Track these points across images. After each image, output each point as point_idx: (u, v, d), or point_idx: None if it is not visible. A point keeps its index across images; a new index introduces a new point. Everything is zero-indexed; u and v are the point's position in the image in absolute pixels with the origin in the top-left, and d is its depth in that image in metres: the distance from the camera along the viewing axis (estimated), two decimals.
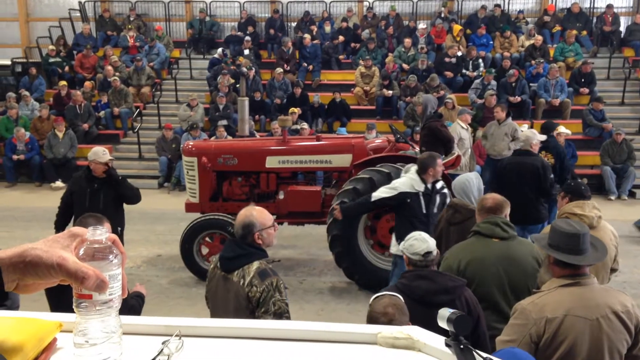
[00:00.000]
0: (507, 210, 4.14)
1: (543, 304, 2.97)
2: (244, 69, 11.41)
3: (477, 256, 3.97)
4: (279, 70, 15.09)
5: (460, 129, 10.26)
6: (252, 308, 3.34)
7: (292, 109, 13.24)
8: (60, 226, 6.31)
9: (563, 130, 12.16)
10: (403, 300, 3.09)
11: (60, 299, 4.11)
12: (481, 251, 3.97)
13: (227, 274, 3.49)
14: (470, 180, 5.12)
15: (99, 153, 6.18)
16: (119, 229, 6.33)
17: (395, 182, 6.00)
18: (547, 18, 16.86)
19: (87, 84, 15.46)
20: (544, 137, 7.70)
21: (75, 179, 6.41)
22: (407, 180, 5.85)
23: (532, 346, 2.93)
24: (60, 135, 13.36)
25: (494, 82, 14.22)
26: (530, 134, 7.34)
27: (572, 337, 2.87)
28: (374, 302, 3.09)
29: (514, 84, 13.95)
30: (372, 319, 2.96)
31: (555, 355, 2.89)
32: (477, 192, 5.04)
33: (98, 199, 6.12)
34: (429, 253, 3.60)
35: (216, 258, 3.67)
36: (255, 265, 3.44)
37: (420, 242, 3.65)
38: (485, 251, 3.96)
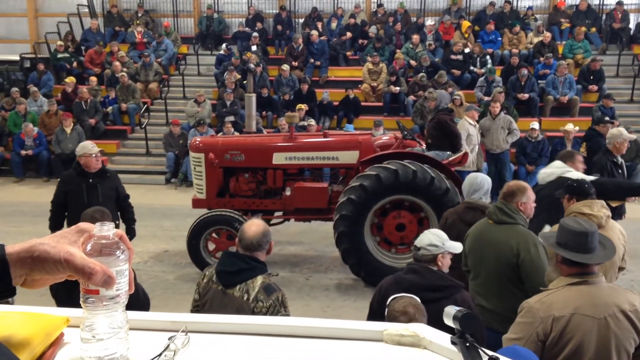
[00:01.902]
0: (520, 198, 4.20)
1: (550, 302, 2.97)
2: (251, 65, 11.43)
3: (474, 232, 4.35)
4: (285, 66, 15.09)
5: (468, 125, 10.27)
6: None
7: (299, 105, 13.23)
8: (56, 229, 6.19)
9: (571, 127, 12.15)
10: (420, 301, 3.11)
11: (71, 297, 4.12)
12: (478, 228, 4.35)
13: (226, 288, 3.41)
14: (488, 180, 5.09)
15: (88, 146, 6.13)
16: (117, 222, 6.30)
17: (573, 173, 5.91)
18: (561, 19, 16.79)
19: (92, 79, 15.51)
20: (632, 137, 7.46)
21: (67, 178, 6.31)
22: (576, 172, 5.80)
23: (538, 344, 2.93)
24: (68, 130, 13.40)
25: (498, 79, 14.19)
26: (616, 132, 6.97)
27: (580, 335, 2.86)
28: (393, 302, 3.11)
29: (523, 83, 13.90)
30: (391, 318, 2.97)
31: (562, 353, 2.89)
32: (483, 194, 5.00)
33: (96, 193, 6.06)
34: (416, 247, 3.70)
35: (210, 272, 3.58)
36: (260, 279, 3.38)
37: (421, 235, 3.76)
38: (480, 229, 4.32)
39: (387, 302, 3.16)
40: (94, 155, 6.08)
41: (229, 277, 3.42)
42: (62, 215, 6.25)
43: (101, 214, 4.02)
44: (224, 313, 3.32)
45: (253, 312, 3.30)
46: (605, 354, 2.86)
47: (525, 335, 2.96)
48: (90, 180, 6.09)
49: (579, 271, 2.99)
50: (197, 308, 3.59)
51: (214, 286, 3.48)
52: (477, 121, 10.88)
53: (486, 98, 13.59)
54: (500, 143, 11.02)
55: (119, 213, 6.45)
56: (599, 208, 4.37)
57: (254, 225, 3.50)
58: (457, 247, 3.77)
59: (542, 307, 2.97)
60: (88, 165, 6.08)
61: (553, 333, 2.90)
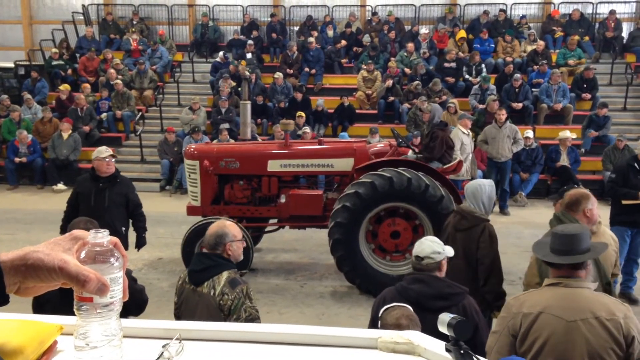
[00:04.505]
0: (585, 205, 4.05)
1: (524, 300, 3.04)
2: (247, 73, 11.48)
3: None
4: (279, 74, 15.12)
5: (461, 135, 10.26)
6: (223, 317, 3.40)
7: (299, 113, 13.25)
8: (65, 229, 6.31)
9: (568, 135, 12.18)
10: (413, 310, 3.10)
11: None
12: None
13: (196, 286, 3.56)
14: (483, 187, 5.02)
15: (101, 150, 6.30)
16: (124, 229, 6.40)
17: None
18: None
19: (85, 85, 15.48)
20: None
21: (81, 181, 6.49)
22: None
23: (510, 339, 2.99)
24: (65, 136, 13.41)
25: (492, 87, 14.25)
26: None
27: (546, 335, 2.89)
28: (385, 314, 3.09)
29: (517, 90, 13.95)
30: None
31: (531, 351, 2.92)
32: (487, 200, 4.95)
33: (103, 197, 6.20)
34: (418, 257, 3.63)
35: (184, 273, 3.74)
36: (225, 275, 3.51)
37: (419, 244, 3.70)
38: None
39: (380, 314, 3.14)
40: (106, 159, 6.21)
41: (197, 276, 3.58)
42: (73, 216, 6.28)
43: (93, 225, 4.00)
44: (196, 311, 3.47)
45: (219, 306, 3.41)
46: (576, 357, 2.85)
47: (501, 329, 3.04)
48: (101, 184, 6.22)
49: (561, 274, 3.02)
50: (177, 310, 3.75)
51: (186, 286, 3.64)
52: (472, 129, 10.89)
53: (480, 106, 13.65)
54: (506, 152, 10.91)
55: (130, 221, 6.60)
56: None
57: (213, 227, 3.67)
58: (451, 251, 3.78)
59: (516, 303, 3.05)
60: (99, 168, 6.23)
61: (522, 329, 2.95)
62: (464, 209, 4.93)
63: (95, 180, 6.25)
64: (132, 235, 6.71)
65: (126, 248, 6.22)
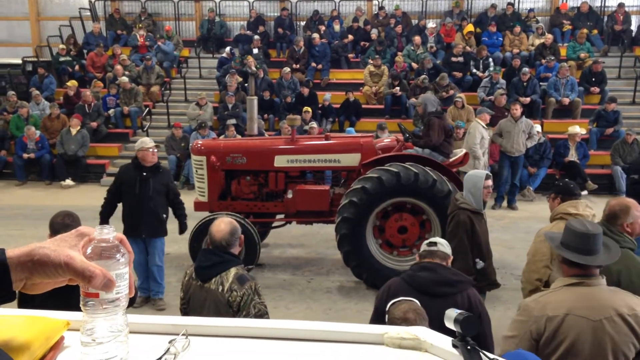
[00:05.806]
0: (624, 219, 3.80)
1: (546, 302, 2.97)
2: (253, 68, 11.46)
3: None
4: (287, 69, 15.11)
5: (481, 129, 10.21)
6: (232, 313, 3.43)
7: (305, 108, 13.24)
8: (106, 215, 6.61)
9: (577, 130, 12.09)
10: (420, 304, 3.11)
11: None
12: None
13: (203, 283, 3.58)
14: (471, 176, 5.28)
15: (146, 141, 6.57)
16: (165, 216, 6.64)
17: None
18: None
19: (99, 83, 15.53)
20: None
21: (124, 170, 6.73)
22: None
23: (532, 343, 2.94)
24: (74, 131, 13.47)
25: (502, 81, 14.17)
26: None
27: (573, 336, 2.85)
28: (392, 308, 3.11)
29: (525, 83, 13.87)
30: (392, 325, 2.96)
31: (556, 354, 2.88)
32: (474, 189, 5.19)
33: (147, 187, 6.43)
34: (433, 243, 3.75)
35: (190, 270, 3.77)
36: (233, 271, 3.54)
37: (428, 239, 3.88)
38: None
39: (387, 308, 3.16)
40: (150, 149, 6.46)
41: (204, 272, 3.60)
42: (114, 203, 6.63)
43: (71, 218, 4.02)
44: (204, 307, 3.49)
45: (228, 302, 3.44)
46: (601, 356, 2.83)
47: (520, 333, 2.98)
48: (144, 173, 6.45)
49: (578, 272, 2.98)
50: (184, 306, 3.77)
51: (193, 282, 3.66)
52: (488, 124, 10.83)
53: (487, 98, 13.57)
54: (520, 146, 10.79)
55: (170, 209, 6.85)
56: (584, 207, 4.38)
57: (222, 224, 3.67)
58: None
59: (537, 306, 2.98)
60: (144, 158, 6.44)
61: (546, 333, 2.90)
62: (457, 197, 5.33)
63: (138, 170, 6.48)
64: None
65: (165, 234, 6.64)
